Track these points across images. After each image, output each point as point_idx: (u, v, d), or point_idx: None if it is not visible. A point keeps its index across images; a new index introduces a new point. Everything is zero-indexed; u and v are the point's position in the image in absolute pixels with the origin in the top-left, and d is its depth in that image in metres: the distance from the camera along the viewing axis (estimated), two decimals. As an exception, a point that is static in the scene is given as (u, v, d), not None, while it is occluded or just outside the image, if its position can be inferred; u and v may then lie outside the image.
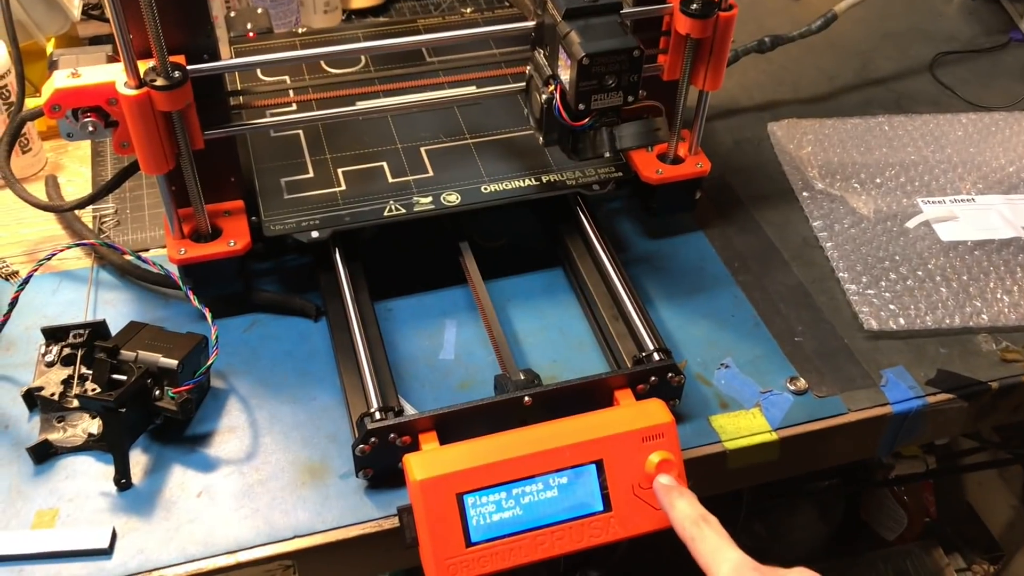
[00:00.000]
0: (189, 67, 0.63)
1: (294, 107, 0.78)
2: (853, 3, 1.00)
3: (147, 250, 0.80)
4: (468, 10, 0.99)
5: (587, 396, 0.66)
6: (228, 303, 0.76)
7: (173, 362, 0.65)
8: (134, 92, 0.61)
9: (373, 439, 0.62)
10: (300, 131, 0.80)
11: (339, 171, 0.77)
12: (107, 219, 0.82)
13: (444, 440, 0.63)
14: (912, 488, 1.45)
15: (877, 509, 1.50)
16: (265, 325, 0.75)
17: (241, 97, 0.75)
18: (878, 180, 0.89)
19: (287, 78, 0.83)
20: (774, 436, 0.70)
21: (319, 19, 1.05)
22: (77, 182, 0.87)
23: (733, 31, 0.72)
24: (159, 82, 0.61)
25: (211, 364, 0.66)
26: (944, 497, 1.52)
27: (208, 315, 0.67)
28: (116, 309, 0.75)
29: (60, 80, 0.63)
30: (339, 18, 1.07)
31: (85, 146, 0.90)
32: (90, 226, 0.81)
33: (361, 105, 0.73)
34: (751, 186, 0.90)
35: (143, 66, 0.62)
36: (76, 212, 0.81)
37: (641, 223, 0.86)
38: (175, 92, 0.62)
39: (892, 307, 0.78)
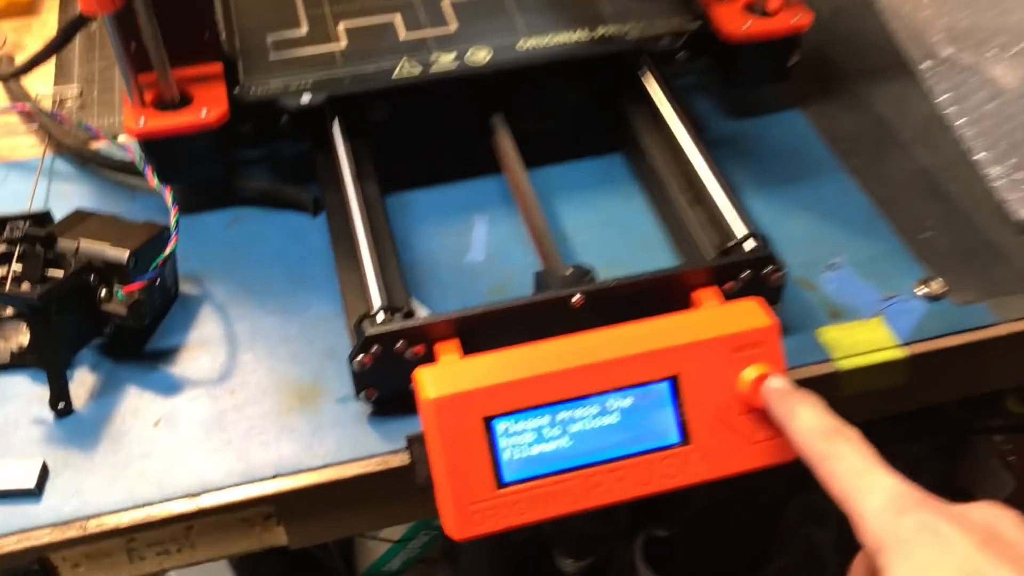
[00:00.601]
0: None
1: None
2: None
3: (115, 137, 0.66)
4: None
5: (656, 297, 0.50)
6: (207, 195, 0.62)
7: (123, 254, 0.51)
8: None
9: (375, 348, 0.47)
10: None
11: (340, 25, 0.61)
12: (69, 101, 0.68)
13: (468, 352, 0.48)
14: (1019, 448, 1.27)
15: (977, 472, 1.32)
16: (251, 221, 0.61)
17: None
18: (1022, 44, 0.71)
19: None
20: (902, 352, 0.53)
21: None
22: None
23: None
24: None
25: (169, 254, 0.51)
26: (1057, 458, 1.34)
27: (168, 195, 0.53)
28: (72, 204, 0.61)
29: None
30: None
31: (50, 25, 0.76)
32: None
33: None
34: (856, 59, 0.72)
35: None
36: (29, 92, 0.67)
37: (721, 100, 0.69)
38: None
39: (1050, 193, 0.60)
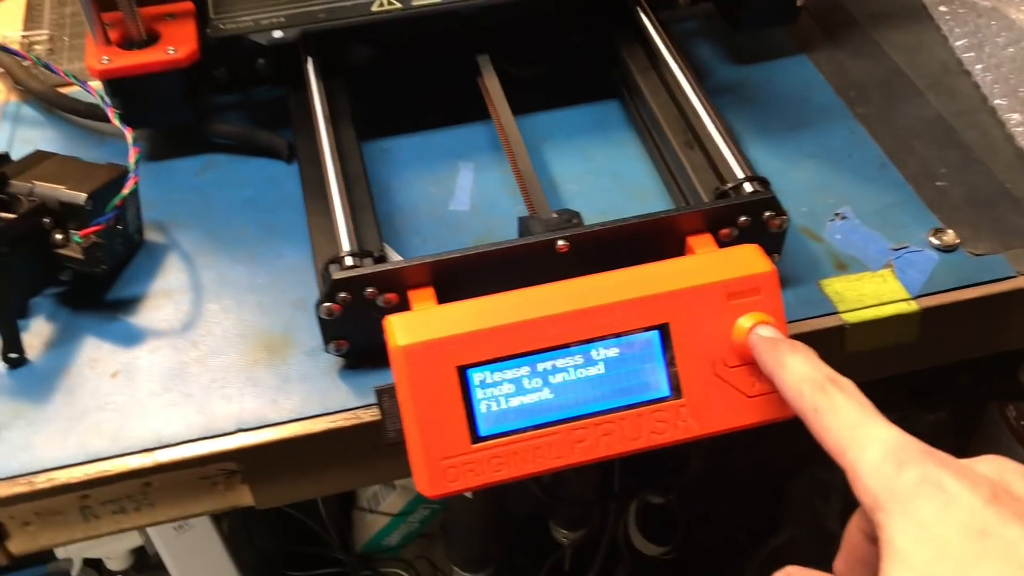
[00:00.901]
0: None
1: None
2: None
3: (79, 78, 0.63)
4: None
5: (648, 244, 0.46)
6: (179, 140, 0.59)
7: (80, 196, 0.48)
8: None
9: (343, 294, 0.44)
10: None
11: (316, -41, 0.57)
12: (38, 46, 0.65)
13: (444, 301, 0.44)
14: (1035, 423, 1.24)
15: (991, 446, 1.28)
16: (223, 167, 0.58)
17: None
18: (1044, -13, 0.67)
19: None
20: (913, 306, 0.49)
21: None
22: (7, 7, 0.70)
23: None
24: None
25: (127, 195, 0.48)
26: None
27: (129, 135, 0.50)
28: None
29: None
30: None
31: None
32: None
33: None
34: (867, 1, 0.68)
35: None
36: None
37: (725, 46, 0.65)
38: None
39: (1074, 141, 0.56)
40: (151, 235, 0.54)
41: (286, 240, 0.53)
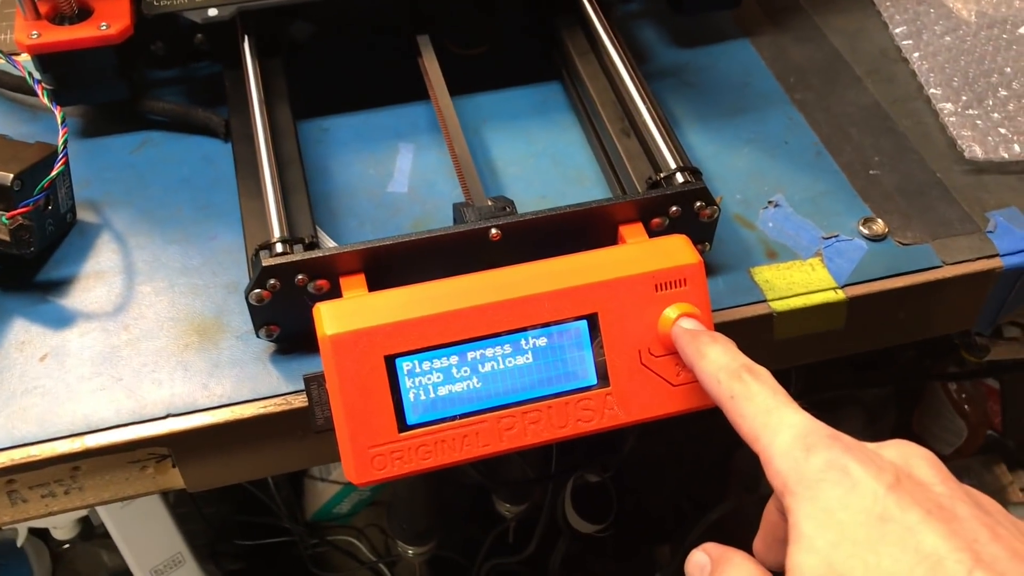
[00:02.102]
0: None
1: None
2: None
3: (17, 55, 0.61)
4: None
5: (581, 232, 0.47)
6: (113, 116, 0.58)
7: (6, 176, 0.47)
8: None
9: (273, 281, 0.44)
10: None
11: (254, -66, 0.56)
12: (-32, 15, 0.63)
13: (376, 289, 0.44)
14: (974, 396, 1.27)
15: (932, 418, 1.32)
16: (159, 145, 0.57)
17: None
18: (983, -24, 0.67)
19: None
20: (840, 295, 0.51)
21: None
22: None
23: None
24: None
25: (55, 176, 0.48)
26: (1011, 407, 1.34)
27: (58, 114, 0.49)
28: (-34, 124, 0.57)
29: None
30: None
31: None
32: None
33: None
34: (813, -14, 0.69)
35: None
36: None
37: (668, 28, 0.65)
38: None
39: (1003, 131, 0.57)
40: (84, 214, 0.53)
41: (220, 221, 0.53)
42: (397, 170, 0.56)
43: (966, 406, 1.27)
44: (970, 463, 1.29)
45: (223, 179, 0.55)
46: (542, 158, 0.57)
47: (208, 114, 0.56)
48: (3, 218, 0.47)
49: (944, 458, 1.24)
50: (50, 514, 0.46)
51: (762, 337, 0.51)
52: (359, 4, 0.55)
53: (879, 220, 0.53)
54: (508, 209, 0.47)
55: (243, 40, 0.54)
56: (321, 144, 0.57)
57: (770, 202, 0.55)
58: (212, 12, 0.52)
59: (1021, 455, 1.30)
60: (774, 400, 0.35)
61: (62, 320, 0.48)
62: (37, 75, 0.53)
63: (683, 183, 0.48)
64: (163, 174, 0.55)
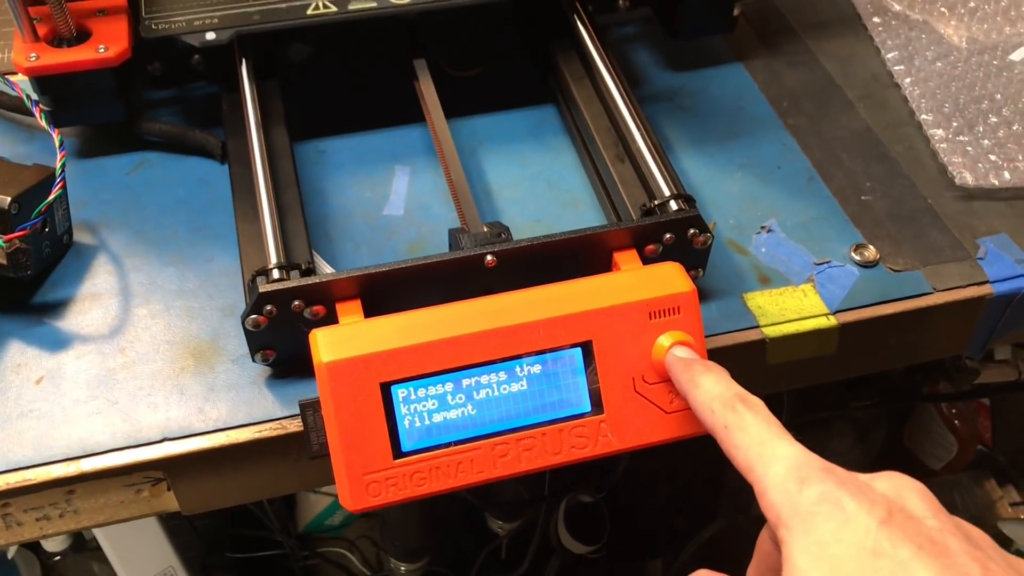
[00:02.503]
0: None
1: None
2: None
3: (14, 74, 0.61)
4: None
5: (575, 259, 0.47)
6: (110, 137, 0.58)
7: (4, 200, 0.47)
8: None
9: (269, 307, 0.44)
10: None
11: (253, -43, 0.57)
12: (-34, 34, 0.64)
13: (372, 314, 0.45)
14: (964, 412, 1.28)
15: (922, 434, 1.32)
16: (156, 166, 0.57)
17: None
18: (971, 3, 0.68)
19: None
20: (832, 321, 0.51)
21: None
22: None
23: None
24: None
25: (52, 201, 0.48)
26: (1001, 423, 1.34)
27: (56, 137, 0.49)
28: (-37, 144, 0.57)
29: None
30: None
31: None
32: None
33: None
34: (805, 10, 0.69)
35: None
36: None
37: (662, 51, 0.66)
38: None
39: (993, 158, 0.58)
40: (80, 235, 0.53)
41: (217, 242, 0.53)
42: (393, 193, 0.56)
43: (956, 422, 1.27)
44: (960, 478, 1.29)
45: (219, 200, 0.55)
46: (537, 181, 0.57)
47: (205, 135, 0.57)
48: (0, 241, 0.47)
49: (934, 473, 1.25)
50: (44, 536, 0.46)
51: (755, 362, 0.51)
52: (357, 28, 0.56)
53: (871, 246, 0.54)
54: (503, 235, 0.48)
55: (240, 62, 0.54)
56: (318, 166, 0.57)
57: (763, 227, 0.55)
58: (210, 36, 0.53)
59: (1011, 470, 1.31)
60: (768, 431, 0.35)
61: (58, 342, 0.49)
62: (35, 96, 0.53)
63: (677, 211, 0.48)
64: (159, 195, 0.55)
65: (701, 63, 0.65)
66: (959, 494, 1.29)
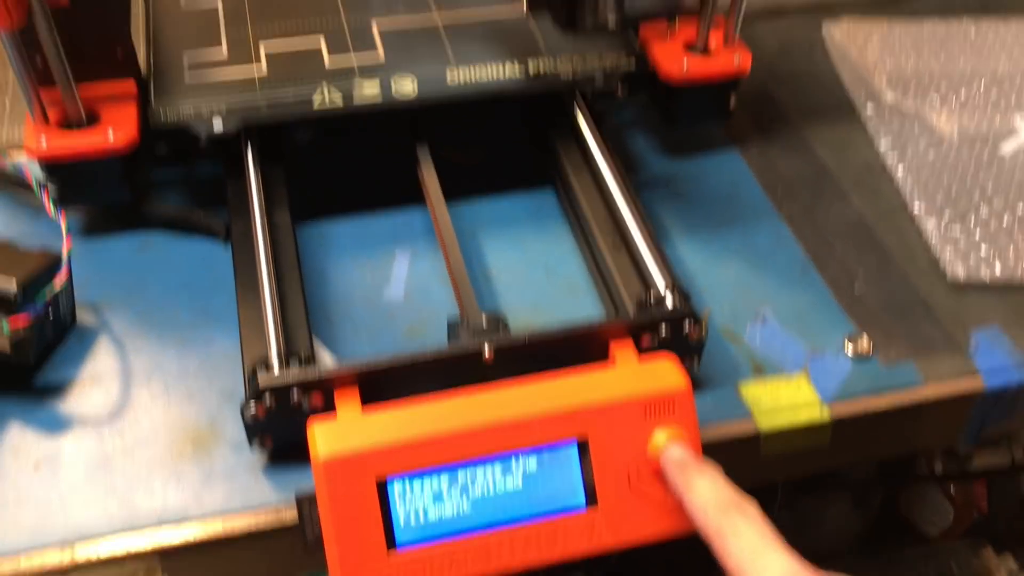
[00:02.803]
0: None
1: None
2: None
3: (12, 159, 0.63)
4: None
5: (572, 351, 0.48)
6: (115, 218, 0.59)
7: (10, 284, 0.48)
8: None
9: (268, 399, 0.44)
10: (219, 1, 0.62)
11: (261, 47, 0.58)
12: (-23, 111, 0.65)
13: (370, 400, 0.45)
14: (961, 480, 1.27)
15: (919, 502, 1.32)
16: (160, 248, 0.58)
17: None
18: (963, 94, 0.70)
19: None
20: (825, 414, 0.51)
21: None
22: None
23: None
24: None
25: (59, 292, 0.48)
26: (998, 491, 1.34)
27: (63, 222, 0.50)
28: (-32, 223, 0.58)
29: None
30: None
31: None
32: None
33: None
34: (800, 98, 0.71)
35: None
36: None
37: (659, 137, 0.67)
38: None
39: (985, 250, 0.59)
40: (83, 315, 0.54)
41: (218, 325, 0.54)
42: (393, 276, 0.57)
43: (952, 490, 1.27)
44: (957, 546, 1.28)
45: (222, 282, 0.56)
46: (535, 267, 0.58)
47: (209, 217, 0.58)
48: (5, 327, 0.47)
49: (931, 541, 1.24)
50: (37, 623, 0.46)
51: (748, 454, 0.52)
52: (362, 117, 0.57)
53: (864, 337, 0.55)
54: (501, 327, 0.48)
55: (246, 148, 0.55)
56: (319, 248, 0.58)
57: (758, 317, 0.56)
58: (218, 125, 0.54)
59: (1008, 538, 1.30)
60: (761, 541, 0.36)
61: (57, 425, 0.49)
62: (43, 179, 0.54)
63: (672, 308, 0.49)
64: (163, 277, 0.56)
65: (697, 149, 0.66)
66: (956, 562, 1.28)
